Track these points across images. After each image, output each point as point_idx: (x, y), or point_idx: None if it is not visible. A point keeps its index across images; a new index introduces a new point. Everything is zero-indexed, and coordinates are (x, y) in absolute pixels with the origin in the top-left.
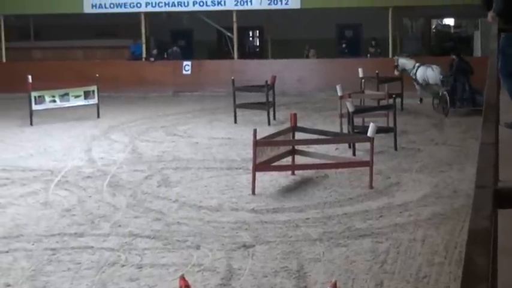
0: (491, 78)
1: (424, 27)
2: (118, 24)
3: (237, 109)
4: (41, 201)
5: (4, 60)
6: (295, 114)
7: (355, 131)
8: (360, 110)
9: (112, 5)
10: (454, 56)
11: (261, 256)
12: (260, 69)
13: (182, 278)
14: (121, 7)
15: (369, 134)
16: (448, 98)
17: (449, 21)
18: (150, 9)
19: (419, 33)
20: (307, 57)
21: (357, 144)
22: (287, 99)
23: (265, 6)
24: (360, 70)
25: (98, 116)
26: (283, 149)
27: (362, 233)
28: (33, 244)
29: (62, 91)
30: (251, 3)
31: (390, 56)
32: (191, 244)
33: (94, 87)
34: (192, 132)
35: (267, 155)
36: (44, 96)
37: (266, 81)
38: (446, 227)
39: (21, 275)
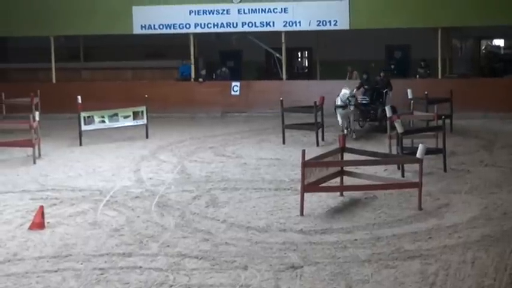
0: None
1: (474, 48)
2: (167, 45)
3: (286, 130)
4: (90, 221)
5: (54, 80)
6: (344, 135)
7: (404, 152)
8: (409, 131)
9: (161, 26)
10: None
11: (309, 277)
12: (309, 90)
13: None
14: (170, 28)
15: (418, 155)
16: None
17: (499, 42)
18: (199, 30)
19: (469, 54)
20: (350, 79)
21: (405, 166)
22: (336, 120)
23: (313, 27)
24: (409, 91)
25: (147, 137)
26: (331, 170)
27: (411, 254)
28: (81, 264)
29: (111, 112)
30: (300, 25)
31: (440, 77)
32: (239, 265)
33: (143, 108)
34: (241, 153)
35: (316, 175)
36: (93, 117)
37: (315, 102)
38: (496, 249)
39: None
